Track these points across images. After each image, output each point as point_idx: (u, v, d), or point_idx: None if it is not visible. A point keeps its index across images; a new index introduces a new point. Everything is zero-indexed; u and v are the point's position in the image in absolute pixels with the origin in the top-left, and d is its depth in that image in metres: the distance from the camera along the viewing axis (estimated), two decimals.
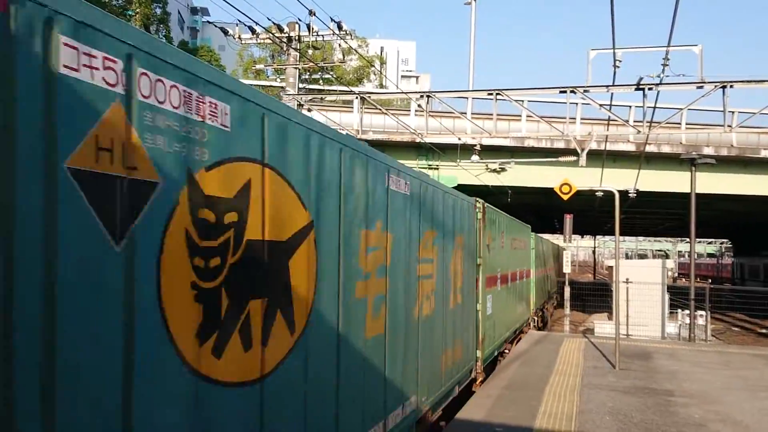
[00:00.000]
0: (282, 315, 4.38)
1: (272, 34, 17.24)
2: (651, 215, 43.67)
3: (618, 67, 14.89)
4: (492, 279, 13.50)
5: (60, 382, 2.63)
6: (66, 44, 2.66)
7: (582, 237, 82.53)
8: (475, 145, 21.24)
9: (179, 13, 73.68)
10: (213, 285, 3.60)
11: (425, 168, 25.65)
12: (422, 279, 8.14)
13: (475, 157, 21.98)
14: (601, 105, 17.08)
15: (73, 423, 2.69)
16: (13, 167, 2.44)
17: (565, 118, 17.94)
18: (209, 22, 20.77)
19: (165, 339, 3.23)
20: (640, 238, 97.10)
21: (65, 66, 2.66)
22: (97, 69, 2.81)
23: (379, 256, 6.47)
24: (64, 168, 2.64)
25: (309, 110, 19.07)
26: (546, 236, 37.43)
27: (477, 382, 12.17)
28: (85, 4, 2.76)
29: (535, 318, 23.20)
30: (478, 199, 12.23)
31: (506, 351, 15.83)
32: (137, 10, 39.92)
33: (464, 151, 22.36)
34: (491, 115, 17.70)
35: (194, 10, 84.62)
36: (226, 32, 18.13)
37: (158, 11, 44.03)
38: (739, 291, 34.28)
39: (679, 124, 21.51)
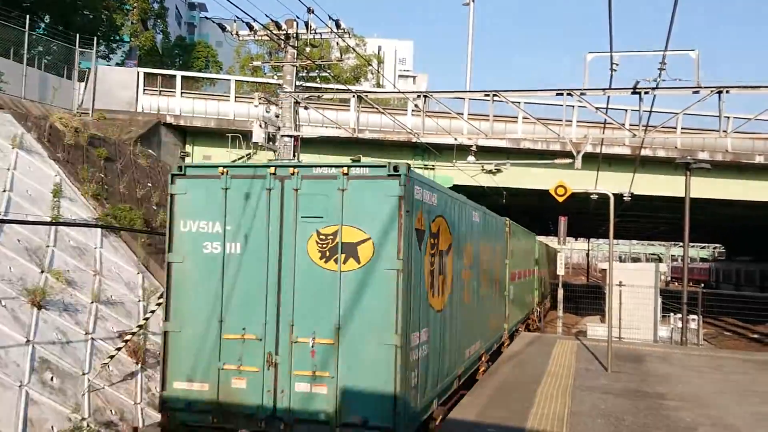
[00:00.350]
0: (446, 284, 9.69)
1: (270, 31, 17.19)
2: (645, 219, 43.77)
3: (615, 70, 14.89)
4: (513, 275, 17.92)
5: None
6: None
7: (576, 239, 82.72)
8: (472, 146, 21.25)
9: (177, 8, 73.46)
10: (432, 270, 8.86)
11: (421, 168, 25.65)
12: (483, 272, 13.07)
13: (471, 158, 22.00)
14: (597, 108, 17.07)
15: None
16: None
17: (561, 120, 17.95)
18: (207, 18, 20.69)
19: (426, 294, 8.52)
20: (634, 242, 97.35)
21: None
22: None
23: (469, 257, 11.70)
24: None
25: (306, 108, 19.03)
26: (540, 238, 37.49)
27: (504, 345, 16.93)
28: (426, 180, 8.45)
29: (538, 309, 27.04)
30: (506, 218, 16.94)
31: (519, 330, 20.32)
32: (135, 4, 39.76)
33: (460, 151, 22.37)
34: (488, 116, 17.66)
35: (192, 6, 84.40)
36: (223, 28, 18.06)
37: (156, 6, 43.88)
38: (734, 296, 34.40)
39: (675, 128, 21.52)
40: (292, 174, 7.79)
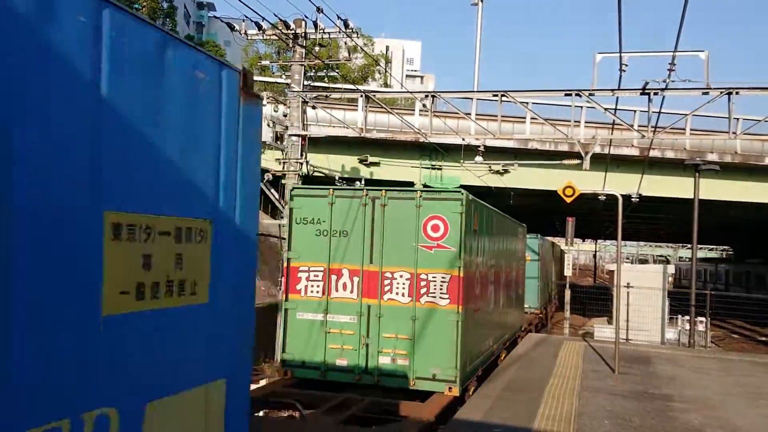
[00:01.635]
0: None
1: (279, 30, 17.22)
2: (653, 221, 43.61)
3: (624, 71, 14.84)
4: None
5: None
6: None
7: (583, 241, 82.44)
8: (479, 146, 21.21)
9: (185, 7, 73.69)
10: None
11: (428, 168, 25.64)
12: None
13: (478, 158, 21.96)
14: (606, 109, 17.03)
15: None
16: None
17: (569, 121, 17.92)
18: (215, 17, 20.74)
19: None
20: (642, 243, 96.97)
21: None
22: None
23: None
24: None
25: (314, 107, 19.06)
26: (547, 239, 37.40)
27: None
28: None
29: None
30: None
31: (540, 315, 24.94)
32: (144, 3, 39.90)
33: (468, 151, 22.33)
34: (496, 116, 17.66)
35: (200, 5, 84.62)
36: (232, 27, 18.10)
37: (165, 5, 44.00)
38: (740, 298, 34.21)
39: (684, 129, 21.44)
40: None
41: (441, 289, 10.30)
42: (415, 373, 10.22)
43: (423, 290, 10.36)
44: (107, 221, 2.70)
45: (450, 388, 10.15)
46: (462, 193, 10.35)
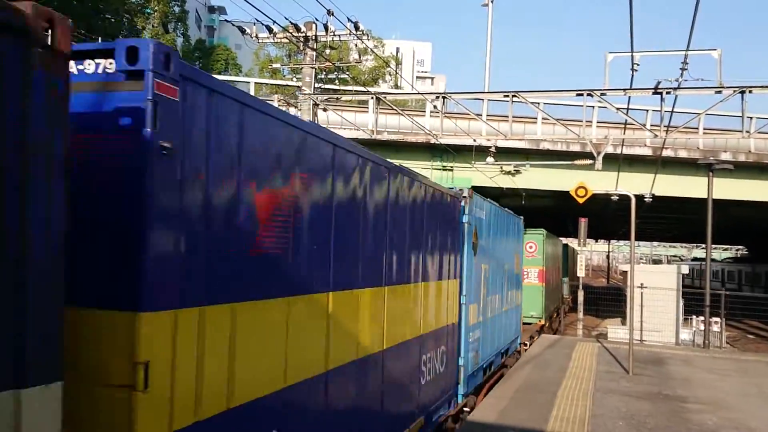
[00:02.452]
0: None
1: (290, 33, 17.29)
2: (666, 220, 43.34)
3: (636, 70, 14.81)
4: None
5: None
6: None
7: (596, 241, 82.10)
8: (490, 147, 21.19)
9: (197, 11, 74.06)
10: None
11: (439, 169, 25.61)
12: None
13: (489, 159, 21.92)
14: (618, 108, 16.96)
15: None
16: None
17: (581, 121, 17.87)
18: (227, 21, 20.83)
19: None
20: (655, 243, 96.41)
21: None
22: None
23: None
24: None
25: (324, 110, 19.10)
26: (561, 239, 37.33)
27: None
28: None
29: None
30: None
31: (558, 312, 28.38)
32: (156, 8, 40.14)
33: (479, 152, 22.30)
34: (507, 117, 17.63)
35: (212, 9, 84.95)
36: (243, 31, 18.19)
37: (176, 9, 44.25)
38: (756, 298, 33.88)
39: (697, 128, 21.30)
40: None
41: (534, 275, 21.85)
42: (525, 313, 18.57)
43: (526, 277, 18.98)
44: None
45: (540, 320, 21.94)
46: (543, 231, 21.82)
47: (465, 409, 10.45)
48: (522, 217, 16.91)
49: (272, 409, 4.53)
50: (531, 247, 21.79)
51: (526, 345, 17.44)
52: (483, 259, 11.65)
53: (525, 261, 19.07)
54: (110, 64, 3.35)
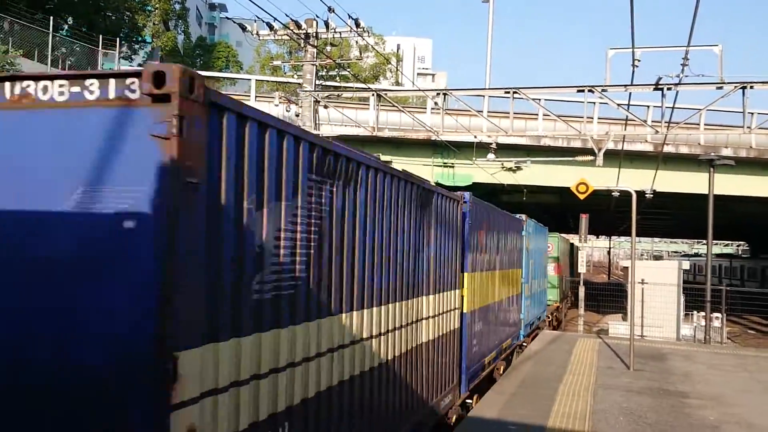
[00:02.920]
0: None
1: (291, 30, 17.29)
2: (667, 216, 43.32)
3: (637, 66, 14.77)
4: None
5: None
6: None
7: (597, 237, 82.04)
8: (491, 144, 21.17)
9: (197, 9, 74.00)
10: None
11: (440, 166, 25.63)
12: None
13: (490, 156, 21.90)
14: (618, 104, 16.94)
15: None
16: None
17: (582, 117, 17.85)
18: (227, 18, 20.83)
19: None
20: (656, 239, 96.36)
21: None
22: None
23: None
24: None
25: (325, 107, 19.11)
26: (562, 235, 37.34)
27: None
28: None
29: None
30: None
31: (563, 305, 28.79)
32: (156, 5, 40.10)
33: (480, 149, 22.29)
34: (508, 113, 17.62)
35: (212, 6, 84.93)
36: (244, 28, 18.19)
37: (177, 7, 44.20)
38: (756, 293, 33.88)
39: (698, 124, 21.27)
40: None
41: (551, 268, 24.15)
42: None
43: None
44: None
45: (556, 302, 24.88)
46: (557, 234, 24.89)
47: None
48: (547, 227, 21.96)
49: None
50: (549, 247, 24.24)
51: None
52: (530, 257, 17.25)
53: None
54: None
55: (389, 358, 6.43)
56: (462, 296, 9.88)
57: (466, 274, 10.01)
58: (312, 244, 4.66)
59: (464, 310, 9.98)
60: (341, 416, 5.28)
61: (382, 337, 6.21)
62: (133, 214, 3.20)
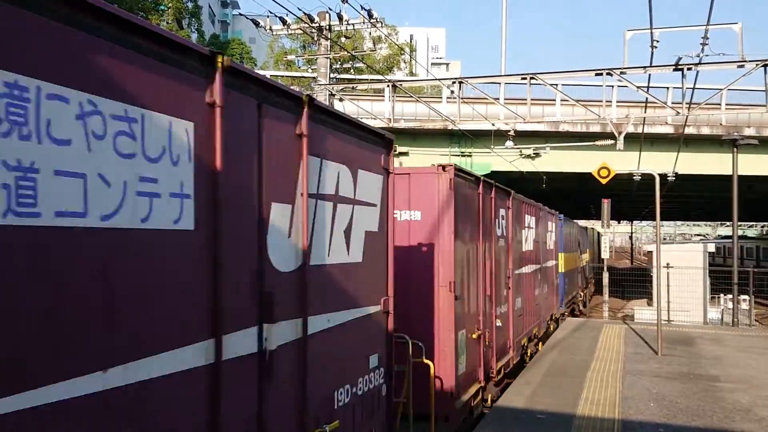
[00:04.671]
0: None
1: (306, 23, 17.22)
2: (691, 199, 42.78)
3: (655, 47, 14.51)
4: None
5: None
6: None
7: (618, 223, 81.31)
8: (509, 131, 20.98)
9: (210, 6, 74.21)
10: None
11: (458, 155, 25.47)
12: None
13: (509, 143, 21.72)
14: (638, 87, 16.67)
15: None
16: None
17: (601, 101, 17.61)
18: (240, 14, 20.82)
19: None
20: (679, 223, 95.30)
21: None
22: None
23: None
24: None
25: (341, 100, 19.05)
26: (581, 222, 37.04)
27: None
28: None
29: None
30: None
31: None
32: (169, 4, 40.25)
33: (498, 137, 22.11)
34: (525, 99, 17.43)
35: (224, 4, 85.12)
36: (257, 24, 18.13)
37: (190, 5, 44.32)
38: None
39: (719, 104, 20.91)
40: None
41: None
42: None
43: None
44: None
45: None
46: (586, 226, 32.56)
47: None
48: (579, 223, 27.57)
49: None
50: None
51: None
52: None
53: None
54: None
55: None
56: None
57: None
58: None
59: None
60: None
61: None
62: None
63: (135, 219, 2.84)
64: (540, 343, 14.99)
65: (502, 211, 11.05)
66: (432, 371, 7.19)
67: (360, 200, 5.19)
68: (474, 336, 9.08)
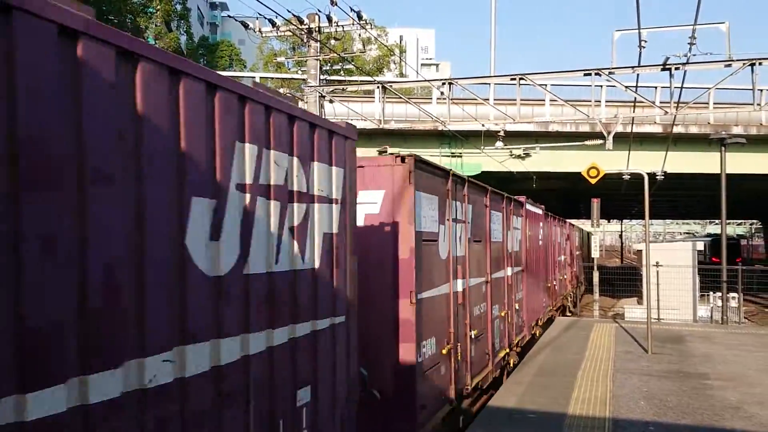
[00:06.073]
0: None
1: (295, 25, 17.23)
2: (679, 197, 43.06)
3: (643, 47, 14.60)
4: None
5: None
6: None
7: (608, 222, 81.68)
8: (499, 131, 21.07)
9: (199, 8, 73.99)
10: None
11: (448, 156, 25.53)
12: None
13: (499, 144, 21.81)
14: (626, 87, 16.79)
15: None
16: None
17: (590, 101, 17.73)
18: (229, 17, 20.80)
19: None
20: (668, 221, 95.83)
21: None
22: None
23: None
24: None
25: (331, 101, 19.06)
26: (572, 221, 37.17)
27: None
28: None
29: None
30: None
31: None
32: (158, 7, 40.11)
33: (488, 137, 22.19)
34: (514, 100, 17.51)
35: (213, 6, 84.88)
36: (246, 26, 18.14)
37: (178, 7, 44.18)
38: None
39: (707, 104, 21.08)
40: None
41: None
42: None
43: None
44: None
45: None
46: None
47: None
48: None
49: None
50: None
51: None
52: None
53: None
54: None
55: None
56: None
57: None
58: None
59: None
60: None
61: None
62: None
63: None
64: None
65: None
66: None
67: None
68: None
